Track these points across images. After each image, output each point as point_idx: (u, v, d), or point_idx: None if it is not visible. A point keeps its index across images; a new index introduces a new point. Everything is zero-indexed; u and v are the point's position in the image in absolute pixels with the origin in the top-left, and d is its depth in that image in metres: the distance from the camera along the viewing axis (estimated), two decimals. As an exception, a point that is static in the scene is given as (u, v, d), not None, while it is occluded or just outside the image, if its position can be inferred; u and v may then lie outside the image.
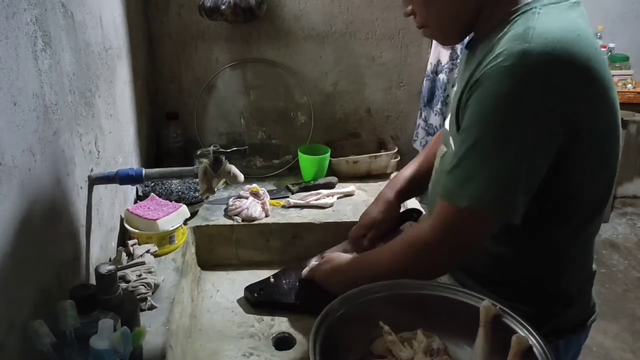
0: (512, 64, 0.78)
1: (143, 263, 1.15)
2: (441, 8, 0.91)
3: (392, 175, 1.72)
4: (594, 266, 1.02)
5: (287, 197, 1.58)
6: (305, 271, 1.21)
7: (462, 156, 0.84)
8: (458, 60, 1.78)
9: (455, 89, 1.03)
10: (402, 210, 1.31)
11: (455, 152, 0.87)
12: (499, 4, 0.87)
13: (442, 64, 1.81)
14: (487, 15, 0.88)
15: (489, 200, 0.83)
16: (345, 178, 1.71)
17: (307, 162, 1.67)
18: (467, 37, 0.97)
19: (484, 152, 0.82)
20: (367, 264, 1.03)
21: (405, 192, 1.27)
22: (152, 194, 1.38)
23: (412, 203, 1.47)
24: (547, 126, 0.80)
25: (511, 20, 0.83)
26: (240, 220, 1.46)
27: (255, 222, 1.46)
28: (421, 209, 1.35)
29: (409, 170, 1.28)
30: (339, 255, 1.14)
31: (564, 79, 0.78)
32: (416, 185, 1.27)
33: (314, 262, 1.21)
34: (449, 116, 0.99)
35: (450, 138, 0.95)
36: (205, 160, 1.15)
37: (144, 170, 1.12)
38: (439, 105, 1.82)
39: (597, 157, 0.87)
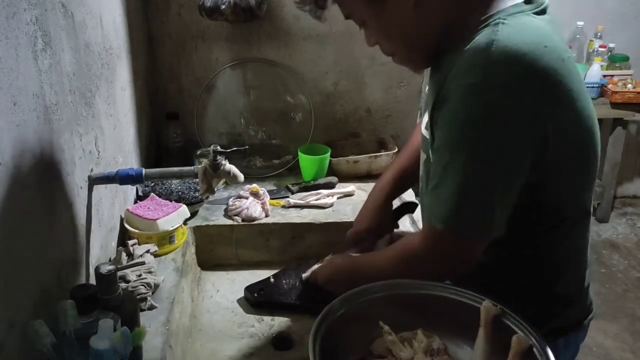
0: (474, 83, 0.76)
1: (143, 263, 1.15)
2: (398, 41, 0.90)
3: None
4: (590, 264, 1.01)
5: (287, 197, 1.58)
6: (306, 274, 1.21)
7: (439, 178, 0.84)
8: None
9: (427, 90, 1.03)
10: (396, 206, 1.32)
11: (434, 170, 0.86)
12: (465, 20, 0.83)
13: (442, 64, 1.81)
14: (455, 32, 0.85)
15: (466, 222, 0.83)
16: (346, 178, 1.71)
17: (307, 162, 1.67)
18: None
19: (456, 175, 0.81)
20: (367, 267, 1.03)
21: (392, 194, 1.28)
22: (152, 194, 1.38)
23: (409, 195, 1.49)
24: (517, 143, 0.79)
25: (477, 30, 0.80)
26: (240, 220, 1.46)
27: (255, 222, 1.46)
28: (416, 201, 1.37)
29: (391, 171, 1.28)
30: (340, 257, 1.14)
31: (529, 94, 0.77)
32: (401, 184, 1.28)
33: (315, 266, 1.21)
34: (424, 121, 0.99)
35: (429, 147, 0.94)
36: (205, 160, 1.15)
37: (144, 170, 1.12)
38: (439, 105, 1.82)
39: (572, 167, 0.87)
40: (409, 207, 1.33)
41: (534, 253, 0.94)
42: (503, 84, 0.76)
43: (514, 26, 0.78)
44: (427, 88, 1.05)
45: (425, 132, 0.98)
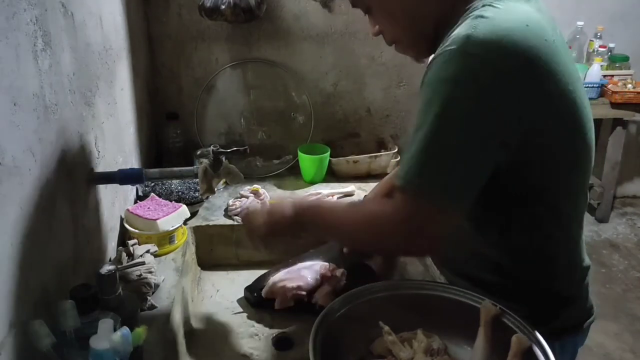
0: (454, 49, 0.78)
1: (143, 263, 1.15)
2: (402, 26, 0.92)
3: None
4: (587, 263, 1.01)
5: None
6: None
7: (411, 140, 0.83)
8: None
9: None
10: None
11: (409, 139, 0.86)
12: (457, 9, 0.86)
13: (442, 64, 1.81)
14: (448, 22, 0.88)
15: (423, 184, 0.81)
16: (345, 178, 1.71)
17: (307, 162, 1.67)
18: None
19: (426, 136, 0.80)
20: (324, 217, 0.97)
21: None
22: (152, 194, 1.38)
23: None
24: (487, 111, 0.79)
25: (464, 14, 0.84)
26: (240, 220, 1.45)
27: (255, 222, 1.46)
28: None
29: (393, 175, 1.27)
30: (285, 198, 1.09)
31: (505, 67, 0.78)
32: None
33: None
34: None
35: None
36: (205, 160, 1.15)
37: (144, 170, 1.12)
38: (438, 105, 1.82)
39: (559, 153, 0.86)
40: None
41: (526, 254, 0.94)
42: (479, 52, 0.77)
43: (498, 8, 0.81)
44: None
45: None
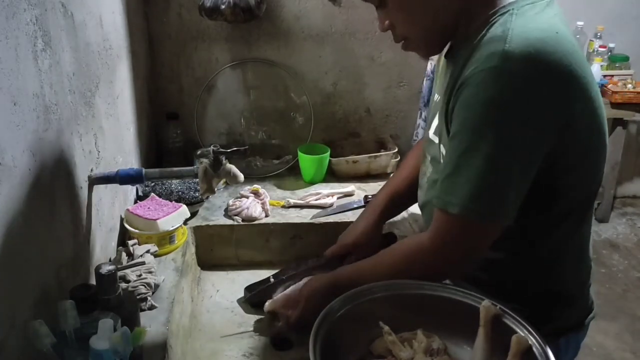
0: (494, 67, 0.78)
1: (143, 263, 1.15)
2: (419, 18, 0.91)
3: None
4: (591, 264, 1.02)
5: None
6: (268, 304, 1.12)
7: (455, 164, 0.84)
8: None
9: (435, 98, 1.03)
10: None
11: (449, 158, 0.86)
12: (477, 9, 0.87)
13: (442, 64, 1.81)
14: (466, 21, 0.88)
15: (484, 208, 0.83)
16: (345, 178, 1.71)
17: (306, 162, 1.67)
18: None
19: (476, 160, 0.81)
20: (363, 276, 0.96)
21: (386, 214, 1.25)
22: (152, 194, 1.38)
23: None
24: (535, 127, 0.80)
25: (489, 22, 0.84)
26: (240, 220, 1.46)
27: (255, 222, 1.46)
28: (395, 234, 1.34)
29: (386, 191, 1.26)
30: (322, 275, 1.05)
31: (547, 78, 0.78)
32: (395, 206, 1.26)
33: (278, 295, 1.14)
34: (433, 126, 0.99)
35: (442, 146, 0.94)
36: (205, 160, 1.15)
37: (144, 170, 1.12)
38: (438, 105, 1.82)
39: (580, 153, 0.87)
40: (388, 238, 1.30)
41: (536, 251, 0.94)
42: (520, 70, 0.78)
43: (525, 16, 0.81)
44: (435, 95, 1.04)
45: (433, 136, 0.98)
